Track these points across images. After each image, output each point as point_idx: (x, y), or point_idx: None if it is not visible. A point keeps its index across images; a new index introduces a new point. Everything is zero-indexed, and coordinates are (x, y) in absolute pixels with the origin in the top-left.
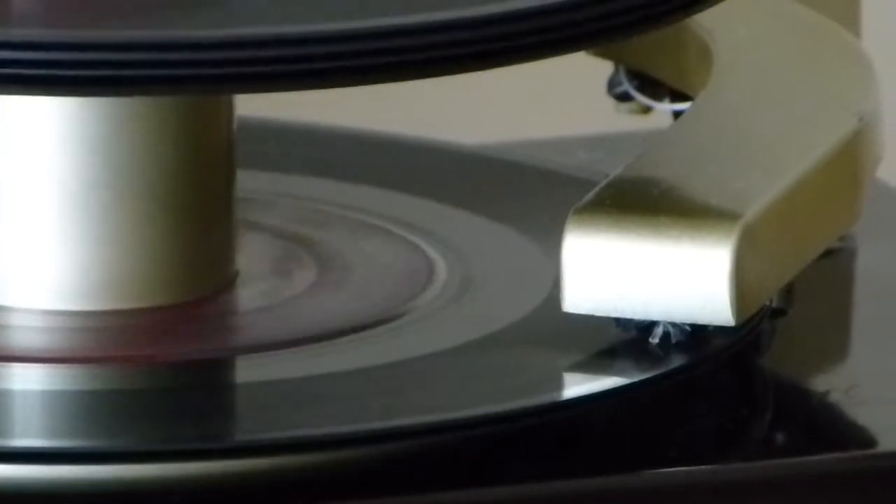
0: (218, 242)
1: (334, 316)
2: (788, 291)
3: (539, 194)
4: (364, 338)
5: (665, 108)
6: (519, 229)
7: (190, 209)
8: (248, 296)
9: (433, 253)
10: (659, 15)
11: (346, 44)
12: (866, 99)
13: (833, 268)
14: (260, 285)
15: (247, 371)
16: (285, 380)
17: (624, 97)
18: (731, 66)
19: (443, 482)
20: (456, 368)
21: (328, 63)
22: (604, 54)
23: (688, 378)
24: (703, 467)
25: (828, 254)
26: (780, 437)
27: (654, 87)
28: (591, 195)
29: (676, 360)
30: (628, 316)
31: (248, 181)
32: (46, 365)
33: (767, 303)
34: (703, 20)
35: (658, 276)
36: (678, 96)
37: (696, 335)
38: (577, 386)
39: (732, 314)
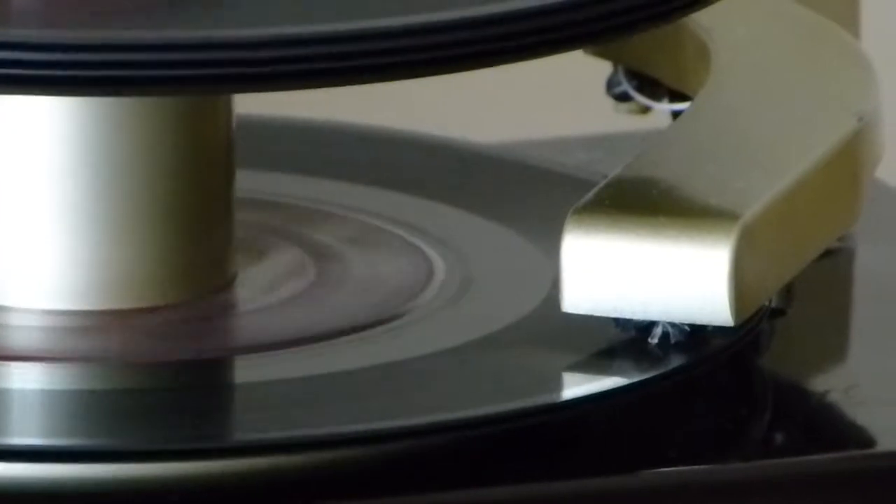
0: (217, 242)
1: (333, 316)
2: (788, 291)
3: (538, 194)
4: (363, 338)
5: (664, 107)
6: (518, 229)
7: (189, 209)
8: (247, 296)
9: (432, 253)
10: (657, 14)
11: (343, 44)
12: (865, 99)
13: (832, 268)
14: (259, 285)
15: (246, 371)
16: (284, 380)
17: (623, 97)
18: (730, 66)
19: (442, 482)
20: (455, 369)
21: (327, 63)
22: (602, 54)
23: (687, 378)
24: (702, 467)
25: (827, 254)
26: (779, 437)
27: (653, 87)
28: (590, 195)
29: (675, 361)
30: (627, 316)
31: (247, 181)
32: (45, 364)
33: (767, 303)
34: (702, 20)
35: (657, 277)
36: (677, 96)
37: (696, 335)
38: (577, 386)
39: (731, 314)
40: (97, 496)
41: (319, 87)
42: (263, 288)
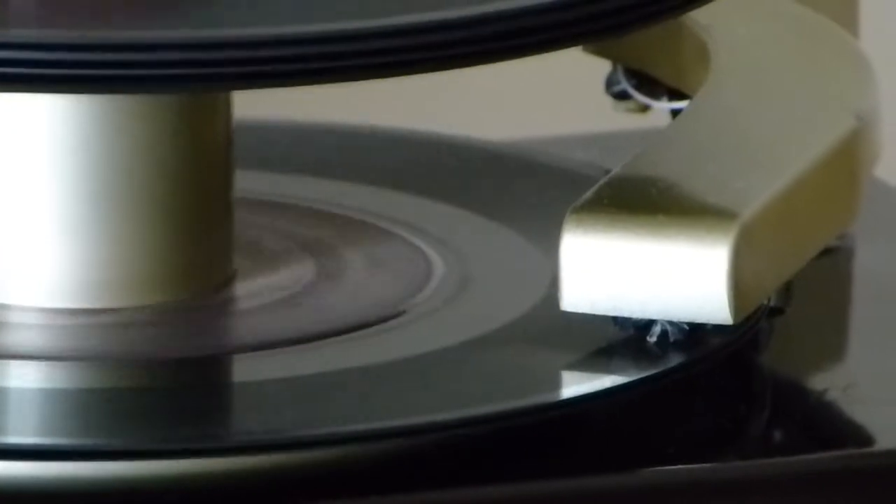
0: (216, 241)
1: (332, 315)
2: (786, 290)
3: (537, 193)
4: (362, 337)
5: (663, 106)
6: (517, 228)
7: (188, 208)
8: (246, 294)
9: (431, 252)
10: (655, 13)
11: (341, 44)
12: (864, 98)
13: (831, 267)
14: (258, 284)
15: (244, 370)
16: (283, 379)
17: (622, 96)
18: (729, 65)
19: (441, 481)
20: (454, 367)
21: (326, 63)
22: (601, 53)
23: (686, 377)
24: (701, 465)
25: (826, 252)
26: (777, 436)
27: (652, 86)
28: (588, 194)
29: (674, 359)
30: (626, 315)
31: (246, 181)
32: (44, 362)
33: (765, 302)
34: (701, 18)
35: (656, 275)
36: (676, 95)
37: (694, 334)
38: (576, 385)
39: (730, 313)
40: (96, 495)
41: (317, 84)
42: (262, 287)
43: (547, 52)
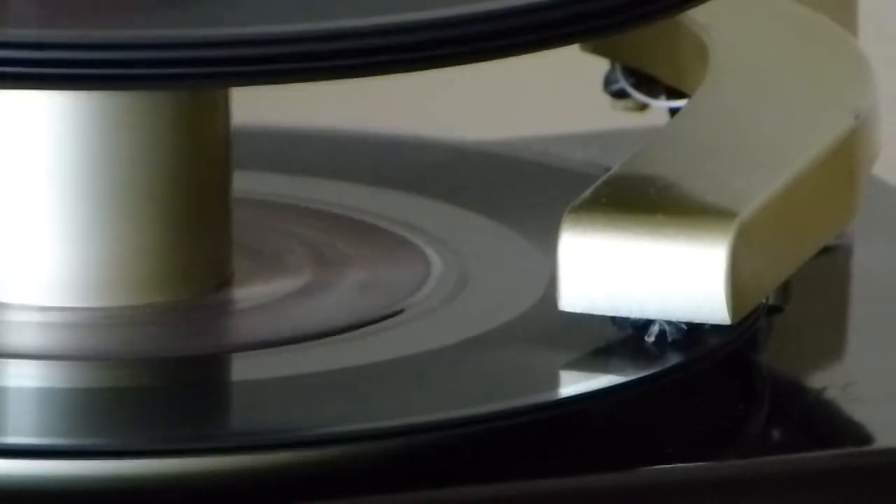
0: (216, 240)
1: (331, 314)
2: (785, 289)
3: (536, 192)
4: (361, 336)
5: (661, 105)
6: (515, 227)
7: (188, 207)
8: (245, 294)
9: (430, 251)
10: (653, 11)
11: (341, 41)
12: (863, 96)
13: (830, 265)
14: (256, 283)
15: (243, 369)
16: (282, 378)
17: (620, 94)
18: (728, 64)
19: (439, 479)
20: (452, 367)
21: (324, 61)
22: (600, 51)
23: (684, 376)
24: (699, 464)
25: (825, 251)
26: (776, 434)
27: (651, 85)
28: (587, 193)
29: (673, 359)
30: (624, 314)
31: (245, 181)
32: (43, 361)
33: (764, 300)
34: (699, 17)
35: (654, 275)
36: (674, 93)
37: (693, 334)
38: (574, 384)
39: (728, 313)
40: (96, 495)
41: (314, 81)
42: (261, 286)
43: (538, 51)
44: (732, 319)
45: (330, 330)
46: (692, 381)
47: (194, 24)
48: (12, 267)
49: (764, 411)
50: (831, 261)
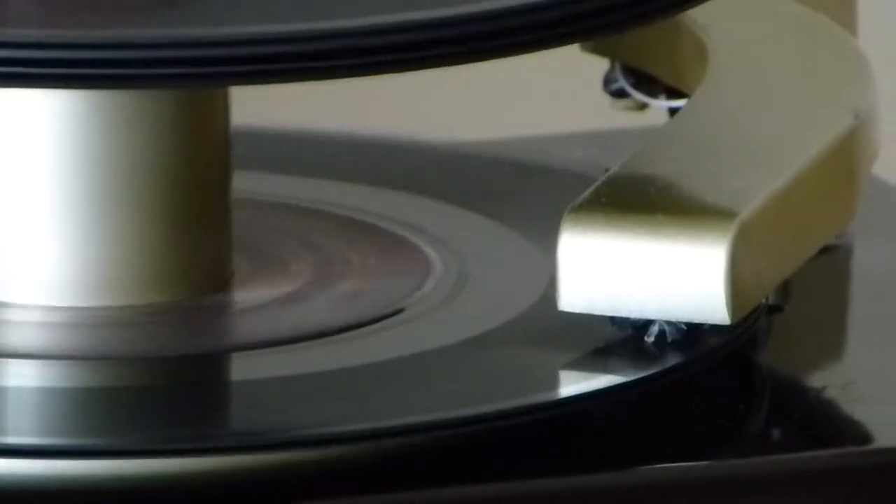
0: (215, 240)
1: (331, 314)
2: (785, 288)
3: (535, 192)
4: (361, 336)
5: (661, 104)
6: (515, 227)
7: (187, 207)
8: (245, 293)
9: (429, 251)
10: (653, 11)
11: (339, 41)
12: (862, 96)
13: (830, 265)
14: (256, 283)
15: (243, 369)
16: (281, 377)
17: (620, 94)
18: (727, 63)
19: (438, 479)
20: (451, 366)
21: (322, 61)
22: (599, 51)
23: (684, 376)
24: (699, 464)
25: (825, 251)
26: (776, 434)
27: (650, 84)
28: (586, 193)
29: (672, 359)
30: (624, 314)
31: (245, 182)
32: (43, 361)
33: (764, 300)
34: (699, 17)
35: (654, 275)
36: (674, 93)
37: (692, 334)
38: (574, 384)
39: (728, 313)
40: (96, 494)
41: (312, 80)
42: (262, 287)
43: (537, 51)
44: (732, 319)
45: (329, 330)
46: (692, 381)
47: (194, 23)
48: (13, 267)
49: (764, 411)
50: (831, 261)
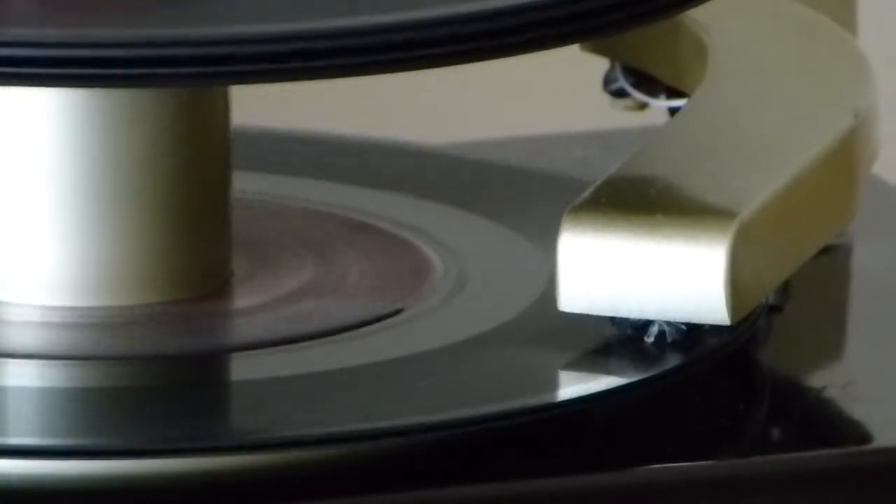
0: (215, 240)
1: (331, 314)
2: (785, 288)
3: (535, 192)
4: (361, 336)
5: (661, 104)
6: (515, 227)
7: (187, 207)
8: (244, 293)
9: (429, 251)
10: (652, 11)
11: (340, 40)
12: (862, 96)
13: (830, 265)
14: (257, 284)
15: (244, 369)
16: (282, 377)
17: (620, 94)
18: (727, 63)
19: (437, 480)
20: (451, 367)
21: (321, 60)
22: (599, 51)
23: (684, 376)
24: (699, 464)
25: (825, 251)
26: (776, 434)
27: (650, 84)
28: (586, 194)
29: (672, 360)
30: (624, 315)
31: (246, 182)
32: (43, 361)
33: (764, 300)
34: (699, 16)
35: (654, 275)
36: (674, 93)
37: (692, 334)
38: (574, 386)
39: (728, 314)
40: (96, 494)
41: (312, 80)
42: (262, 287)
43: (537, 51)
44: (732, 320)
45: (329, 330)
46: (692, 382)
47: (194, 22)
48: (13, 267)
49: (764, 411)
50: (831, 260)
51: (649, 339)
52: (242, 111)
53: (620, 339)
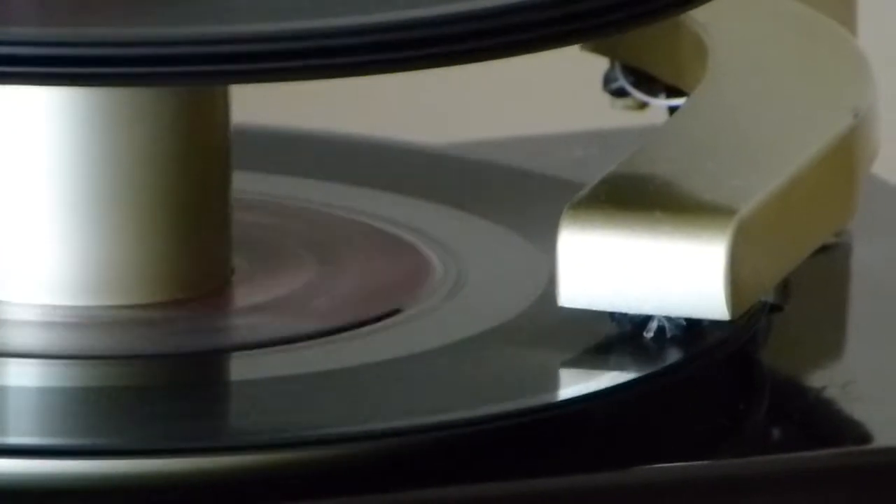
0: (215, 240)
1: (331, 314)
2: (784, 287)
3: (534, 192)
4: (360, 336)
5: (660, 103)
6: (514, 227)
7: (187, 206)
8: (244, 293)
9: (428, 251)
10: (653, 11)
11: (340, 39)
12: (862, 95)
13: (829, 264)
14: (256, 283)
15: (243, 368)
16: (282, 377)
17: (619, 93)
18: (727, 62)
19: (437, 479)
20: (451, 366)
21: (320, 60)
22: (599, 50)
23: (684, 375)
24: (698, 463)
25: (824, 249)
26: (775, 433)
27: (650, 83)
28: (586, 191)
29: (672, 357)
30: (623, 311)
31: (246, 182)
32: (43, 361)
33: (763, 299)
34: (698, 16)
35: (653, 272)
36: (674, 92)
37: (692, 330)
38: (574, 385)
39: (727, 309)
40: (96, 494)
41: (312, 80)
42: (261, 287)
43: (537, 51)
44: (731, 316)
45: (329, 330)
46: (692, 380)
47: (194, 21)
48: (13, 266)
49: (764, 410)
50: (831, 259)
51: (649, 335)
52: (242, 111)
53: (620, 337)
